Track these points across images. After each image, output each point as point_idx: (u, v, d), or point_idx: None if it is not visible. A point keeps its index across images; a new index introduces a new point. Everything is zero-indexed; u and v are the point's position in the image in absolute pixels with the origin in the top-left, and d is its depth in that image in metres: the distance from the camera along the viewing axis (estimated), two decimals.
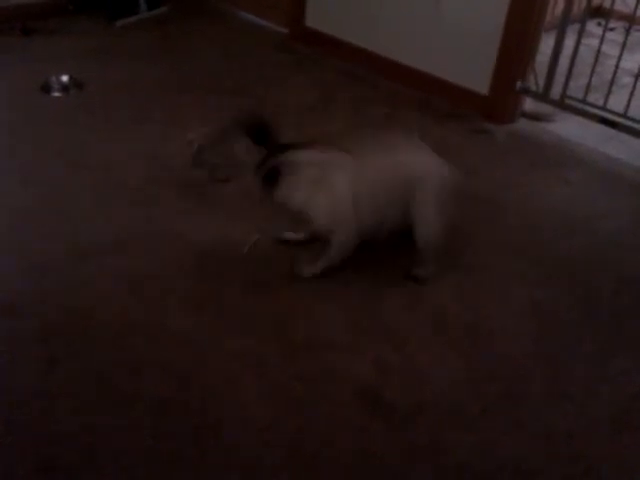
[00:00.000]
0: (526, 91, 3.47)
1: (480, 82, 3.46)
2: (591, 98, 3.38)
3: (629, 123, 3.27)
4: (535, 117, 3.57)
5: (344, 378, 1.96)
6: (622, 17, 4.31)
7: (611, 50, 3.69)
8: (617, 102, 3.29)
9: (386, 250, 2.48)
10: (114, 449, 1.71)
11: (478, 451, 1.79)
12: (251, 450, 1.73)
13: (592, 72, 3.34)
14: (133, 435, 1.74)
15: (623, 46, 3.25)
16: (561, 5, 3.42)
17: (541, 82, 3.45)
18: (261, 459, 1.71)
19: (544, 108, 3.54)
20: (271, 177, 2.16)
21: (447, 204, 2.23)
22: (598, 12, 4.75)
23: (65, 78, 3.47)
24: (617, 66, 3.28)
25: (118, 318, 2.09)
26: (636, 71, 3.26)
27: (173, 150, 2.99)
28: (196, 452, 1.71)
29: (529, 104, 3.58)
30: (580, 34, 3.28)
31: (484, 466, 1.75)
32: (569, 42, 3.35)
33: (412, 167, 2.23)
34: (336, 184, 2.17)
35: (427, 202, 2.22)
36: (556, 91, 3.43)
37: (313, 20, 4.12)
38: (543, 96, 3.48)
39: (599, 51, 3.31)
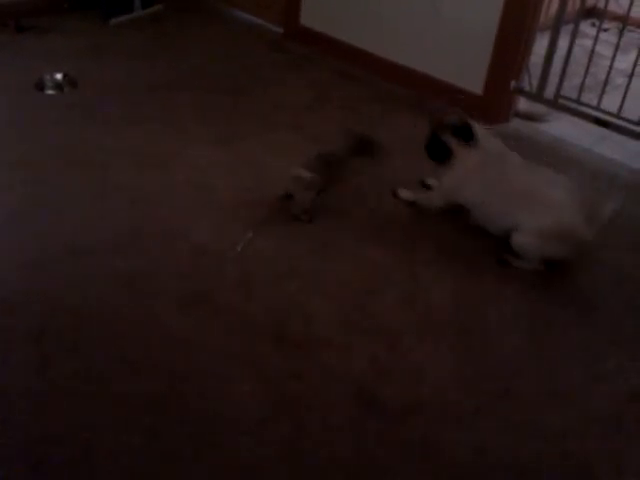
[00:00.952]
0: (520, 91, 3.48)
1: (474, 82, 3.47)
2: (585, 98, 3.40)
3: (623, 123, 3.29)
4: (529, 117, 3.58)
5: (341, 377, 1.96)
6: (616, 18, 4.33)
7: (605, 50, 3.72)
8: (611, 102, 3.31)
9: (385, 250, 2.49)
10: (111, 448, 1.71)
11: (474, 450, 1.80)
12: (249, 449, 1.73)
13: (586, 72, 3.36)
14: (130, 434, 1.74)
15: (617, 47, 3.27)
16: (555, 5, 3.44)
17: (535, 82, 3.47)
18: (259, 458, 1.72)
19: (538, 108, 3.56)
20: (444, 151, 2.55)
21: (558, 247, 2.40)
22: (592, 13, 4.78)
23: (59, 76, 3.45)
24: (611, 66, 3.30)
25: (115, 317, 2.09)
26: (629, 71, 3.27)
27: (171, 149, 2.98)
28: (194, 451, 1.71)
29: (522, 104, 3.59)
30: (574, 34, 3.30)
31: (479, 465, 1.76)
32: (563, 42, 3.36)
33: (545, 206, 2.40)
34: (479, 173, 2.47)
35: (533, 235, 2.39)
36: (550, 91, 3.45)
37: (308, 19, 4.12)
38: (537, 96, 3.49)
39: (593, 51, 3.33)
